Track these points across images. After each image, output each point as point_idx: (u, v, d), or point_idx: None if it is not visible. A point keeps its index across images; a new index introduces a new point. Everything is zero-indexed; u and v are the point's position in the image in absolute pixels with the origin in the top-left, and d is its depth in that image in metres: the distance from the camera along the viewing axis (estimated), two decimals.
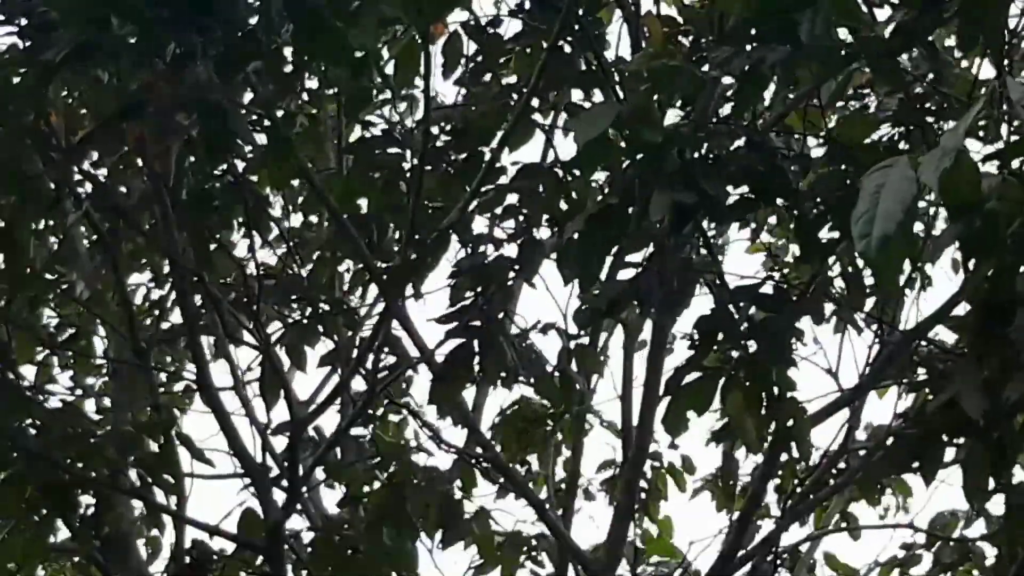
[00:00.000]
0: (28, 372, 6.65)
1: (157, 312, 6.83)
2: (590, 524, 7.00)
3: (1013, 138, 3.66)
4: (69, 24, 4.60)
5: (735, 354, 4.40)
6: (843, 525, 6.90)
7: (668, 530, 7.41)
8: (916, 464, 4.06)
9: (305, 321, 5.89)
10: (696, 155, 4.14)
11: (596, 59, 5.01)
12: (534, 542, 6.56)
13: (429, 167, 5.34)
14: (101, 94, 4.78)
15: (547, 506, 6.15)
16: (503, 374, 5.35)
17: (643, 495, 7.18)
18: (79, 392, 7.01)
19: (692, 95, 4.20)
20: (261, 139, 5.26)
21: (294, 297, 5.97)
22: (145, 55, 4.61)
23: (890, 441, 4.65)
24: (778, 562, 5.97)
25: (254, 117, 4.95)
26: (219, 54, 4.52)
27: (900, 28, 3.91)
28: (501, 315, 5.29)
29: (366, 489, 6.25)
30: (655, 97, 4.12)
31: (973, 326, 3.86)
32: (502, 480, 6.16)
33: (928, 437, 3.78)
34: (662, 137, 4.05)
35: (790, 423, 4.49)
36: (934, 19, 3.89)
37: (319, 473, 6.31)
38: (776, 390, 4.39)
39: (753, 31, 4.05)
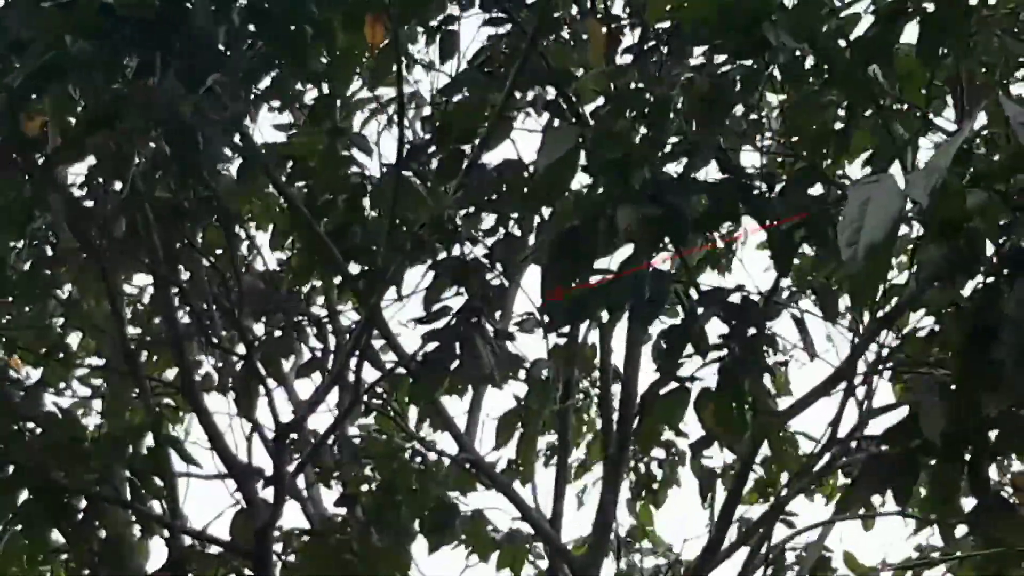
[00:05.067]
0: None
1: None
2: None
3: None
4: (36, 43, 4.58)
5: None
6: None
7: (649, 520, 7.40)
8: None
9: (281, 333, 5.88)
10: (662, 171, 4.10)
11: (545, 60, 4.97)
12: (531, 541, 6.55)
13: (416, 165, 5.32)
14: (68, 109, 4.75)
15: (532, 505, 6.13)
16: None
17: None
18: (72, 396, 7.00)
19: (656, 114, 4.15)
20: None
21: (269, 308, 5.94)
22: (111, 72, 4.59)
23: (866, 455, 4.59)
24: (770, 556, 5.94)
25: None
26: (182, 68, 4.50)
27: (860, 42, 3.88)
28: (479, 316, 5.26)
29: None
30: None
31: (958, 347, 3.81)
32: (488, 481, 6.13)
33: (900, 458, 3.73)
34: (625, 154, 4.02)
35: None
36: (895, 32, 3.85)
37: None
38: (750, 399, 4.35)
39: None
